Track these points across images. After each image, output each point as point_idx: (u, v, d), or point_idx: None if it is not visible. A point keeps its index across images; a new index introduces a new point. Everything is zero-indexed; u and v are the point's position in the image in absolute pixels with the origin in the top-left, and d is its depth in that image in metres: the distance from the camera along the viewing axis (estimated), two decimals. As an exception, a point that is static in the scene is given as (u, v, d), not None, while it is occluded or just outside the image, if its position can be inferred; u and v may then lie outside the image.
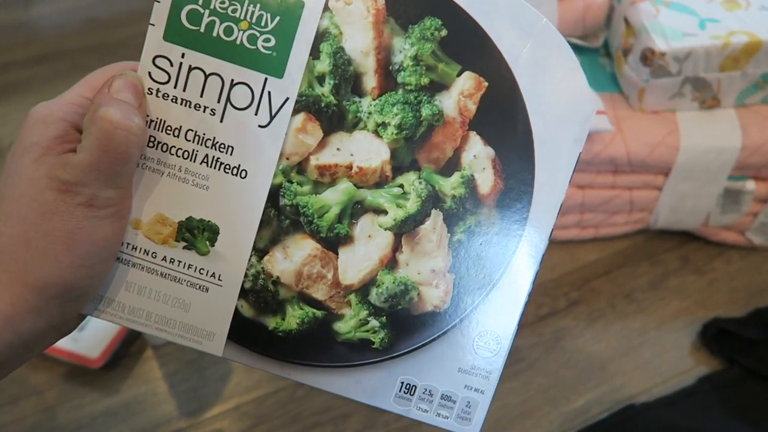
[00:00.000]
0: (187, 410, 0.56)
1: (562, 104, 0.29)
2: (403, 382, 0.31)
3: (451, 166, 0.30)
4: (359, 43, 0.29)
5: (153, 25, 0.29)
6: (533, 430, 0.56)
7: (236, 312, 0.31)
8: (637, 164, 0.60)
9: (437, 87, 0.29)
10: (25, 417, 0.55)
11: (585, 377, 0.59)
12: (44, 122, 0.27)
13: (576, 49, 0.66)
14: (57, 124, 0.27)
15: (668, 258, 0.69)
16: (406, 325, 0.31)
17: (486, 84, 0.29)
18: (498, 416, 0.56)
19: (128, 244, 0.30)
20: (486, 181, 0.30)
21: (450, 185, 0.30)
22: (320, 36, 0.29)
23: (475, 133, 0.30)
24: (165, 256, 0.30)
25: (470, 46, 0.29)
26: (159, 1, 0.28)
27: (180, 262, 0.30)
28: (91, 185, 0.26)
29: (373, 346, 0.31)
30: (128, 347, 0.59)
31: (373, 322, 0.31)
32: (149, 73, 0.29)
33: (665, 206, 0.65)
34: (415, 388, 0.31)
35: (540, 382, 0.59)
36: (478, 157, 0.30)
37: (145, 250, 0.30)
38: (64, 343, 0.56)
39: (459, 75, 0.29)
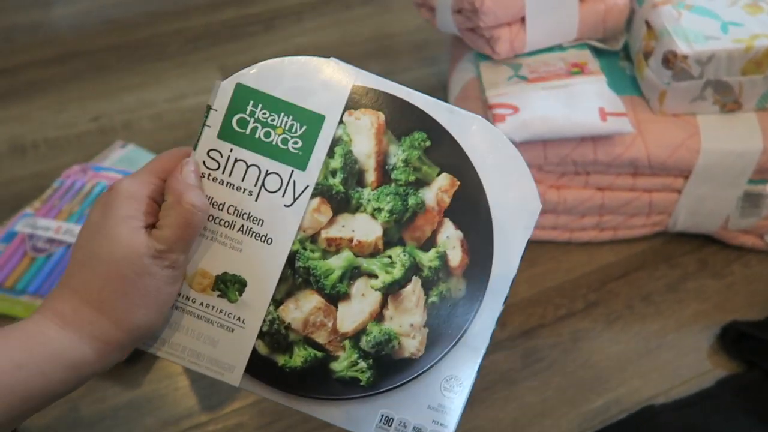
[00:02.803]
0: (207, 405, 0.57)
1: (515, 200, 0.37)
2: (383, 415, 0.38)
3: (429, 243, 0.38)
4: (364, 148, 0.37)
5: (209, 126, 0.37)
6: (552, 430, 0.56)
7: (254, 350, 0.38)
8: (657, 166, 0.61)
9: (421, 183, 0.38)
10: (49, 409, 0.55)
11: (603, 378, 0.59)
12: (137, 199, 0.34)
13: (596, 51, 0.67)
14: (145, 201, 0.35)
15: (686, 261, 0.69)
16: (388, 367, 0.38)
17: (458, 182, 0.37)
18: (517, 415, 0.56)
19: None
20: (456, 256, 0.37)
21: (427, 258, 0.38)
22: (335, 141, 0.37)
23: (448, 219, 0.37)
24: (202, 302, 0.37)
25: (447, 154, 0.37)
26: (216, 110, 0.37)
27: (213, 307, 0.37)
28: (174, 252, 0.34)
29: (361, 384, 0.38)
30: (150, 342, 0.60)
31: (362, 364, 0.38)
32: (203, 162, 0.37)
33: (684, 209, 0.65)
34: (393, 420, 0.38)
35: (558, 382, 0.59)
36: (450, 238, 0.37)
37: (187, 297, 0.37)
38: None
39: (438, 175, 0.37)
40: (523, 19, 0.62)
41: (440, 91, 0.90)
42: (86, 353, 0.33)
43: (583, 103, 0.59)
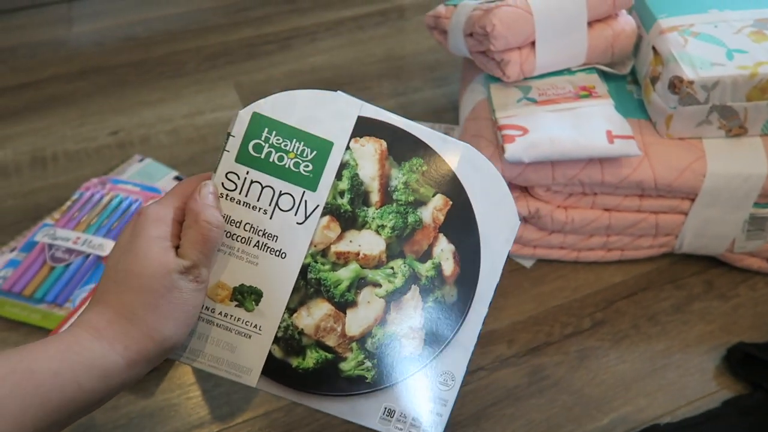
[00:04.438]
0: (219, 415, 0.58)
1: (498, 217, 0.42)
2: (386, 408, 0.41)
3: (426, 256, 0.42)
4: (369, 172, 0.42)
5: (228, 151, 0.40)
6: (557, 447, 0.56)
7: (269, 354, 0.41)
8: (663, 189, 0.62)
9: (419, 203, 0.42)
10: (64, 416, 0.57)
11: (609, 396, 0.60)
12: (164, 222, 0.38)
13: (604, 75, 0.68)
14: (172, 224, 0.38)
15: (692, 282, 0.69)
16: (390, 365, 0.42)
17: (451, 202, 0.42)
18: (523, 432, 0.57)
19: None
20: (449, 267, 0.42)
21: (425, 269, 0.42)
22: (343, 165, 0.41)
23: (442, 234, 0.42)
24: (221, 312, 0.41)
25: (442, 177, 0.42)
26: (234, 136, 0.40)
27: (231, 316, 0.41)
28: (198, 267, 0.38)
29: (366, 381, 0.42)
30: (163, 352, 0.61)
31: (368, 363, 0.42)
32: (222, 183, 0.41)
33: (690, 231, 0.66)
34: (394, 412, 0.41)
35: (564, 400, 0.59)
36: (444, 250, 0.42)
37: (206, 307, 0.41)
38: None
39: (434, 196, 0.42)
40: (533, 44, 0.64)
41: (450, 112, 0.91)
42: (118, 363, 0.35)
43: (590, 125, 0.60)
